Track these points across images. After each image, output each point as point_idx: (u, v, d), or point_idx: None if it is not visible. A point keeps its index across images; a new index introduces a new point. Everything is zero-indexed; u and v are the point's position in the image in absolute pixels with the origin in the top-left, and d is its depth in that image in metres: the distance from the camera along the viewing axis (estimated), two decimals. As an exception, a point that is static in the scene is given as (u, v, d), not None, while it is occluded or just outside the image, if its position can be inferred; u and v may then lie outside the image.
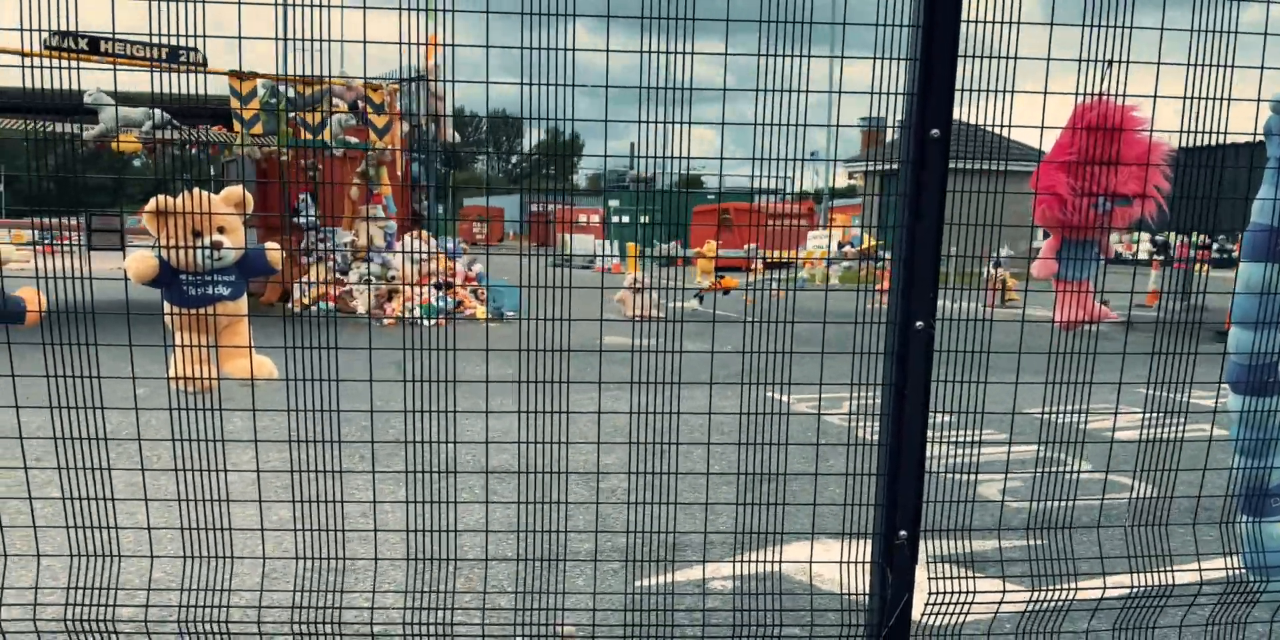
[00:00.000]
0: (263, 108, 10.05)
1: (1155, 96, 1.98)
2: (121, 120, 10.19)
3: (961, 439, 2.18)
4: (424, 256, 8.73)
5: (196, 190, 1.93)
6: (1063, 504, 2.20)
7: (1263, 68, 2.01)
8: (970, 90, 1.94)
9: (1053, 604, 2.23)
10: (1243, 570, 2.18)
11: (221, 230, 1.98)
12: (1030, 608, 2.20)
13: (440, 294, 11.56)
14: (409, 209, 12.87)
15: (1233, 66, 1.97)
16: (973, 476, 2.55)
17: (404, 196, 12.85)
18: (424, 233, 11.75)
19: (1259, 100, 2.02)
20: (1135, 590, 2.20)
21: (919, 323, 2.00)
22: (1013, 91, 1.95)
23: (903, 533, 2.06)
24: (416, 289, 11.26)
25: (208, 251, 1.95)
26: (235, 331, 2.11)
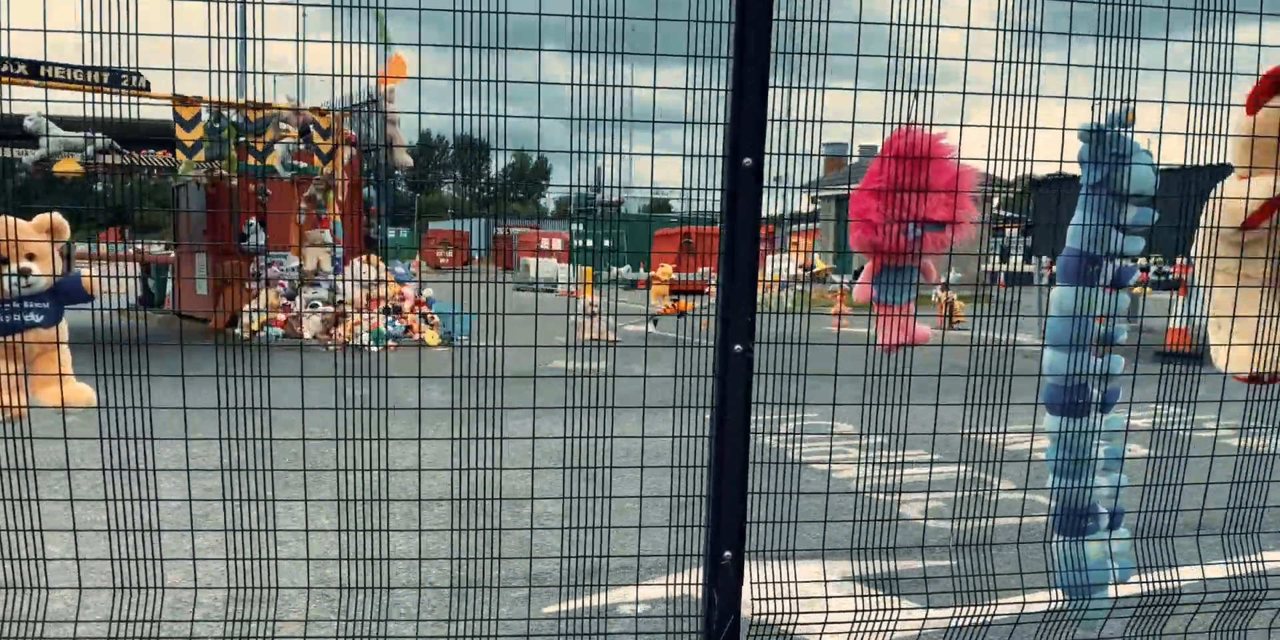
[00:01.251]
0: (207, 133, 10.03)
1: (961, 125, 2.04)
2: (63, 145, 10.14)
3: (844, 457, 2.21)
4: (369, 282, 8.71)
5: (4, 217, 1.94)
6: (985, 522, 2.20)
7: (1066, 97, 2.08)
8: (779, 120, 2.00)
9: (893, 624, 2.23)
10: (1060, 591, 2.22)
11: (31, 257, 1.99)
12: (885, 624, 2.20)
13: (390, 319, 11.53)
14: (359, 234, 12.87)
15: (1037, 96, 2.04)
16: (897, 495, 2.56)
17: (354, 221, 12.85)
18: (374, 257, 11.74)
19: (1063, 129, 2.09)
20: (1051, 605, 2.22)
21: (737, 346, 2.04)
22: (822, 121, 2.00)
23: (727, 554, 2.09)
24: (366, 314, 11.23)
25: (14, 278, 1.96)
26: (50, 359, 2.11)
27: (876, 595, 2.22)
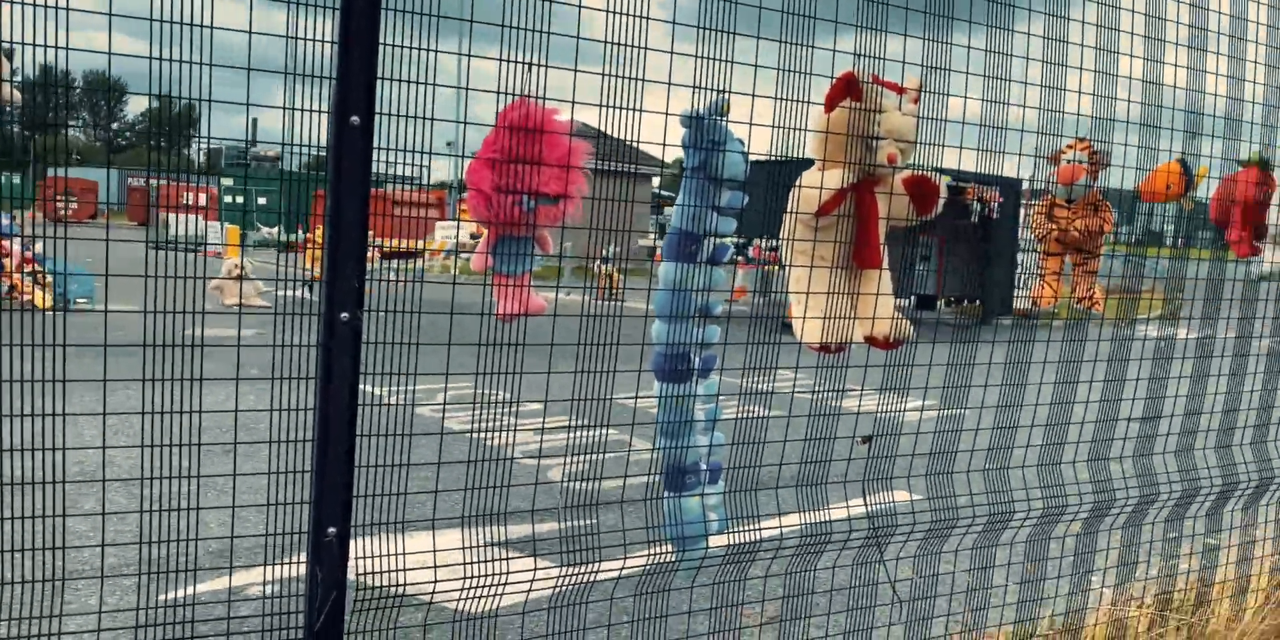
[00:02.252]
0: None
1: (574, 102, 2.10)
2: None
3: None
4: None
5: None
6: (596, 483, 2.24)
7: (669, 84, 2.20)
8: (387, 79, 1.93)
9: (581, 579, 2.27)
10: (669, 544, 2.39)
11: None
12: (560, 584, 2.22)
13: (-16, 279, 9.94)
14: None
15: (643, 80, 2.14)
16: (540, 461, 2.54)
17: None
18: (-36, 206, 10.01)
19: (669, 115, 2.20)
20: (651, 559, 2.33)
21: (343, 314, 1.96)
22: (434, 84, 1.96)
23: (331, 529, 2.01)
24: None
25: None
26: None
27: (501, 560, 2.25)
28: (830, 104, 2.52)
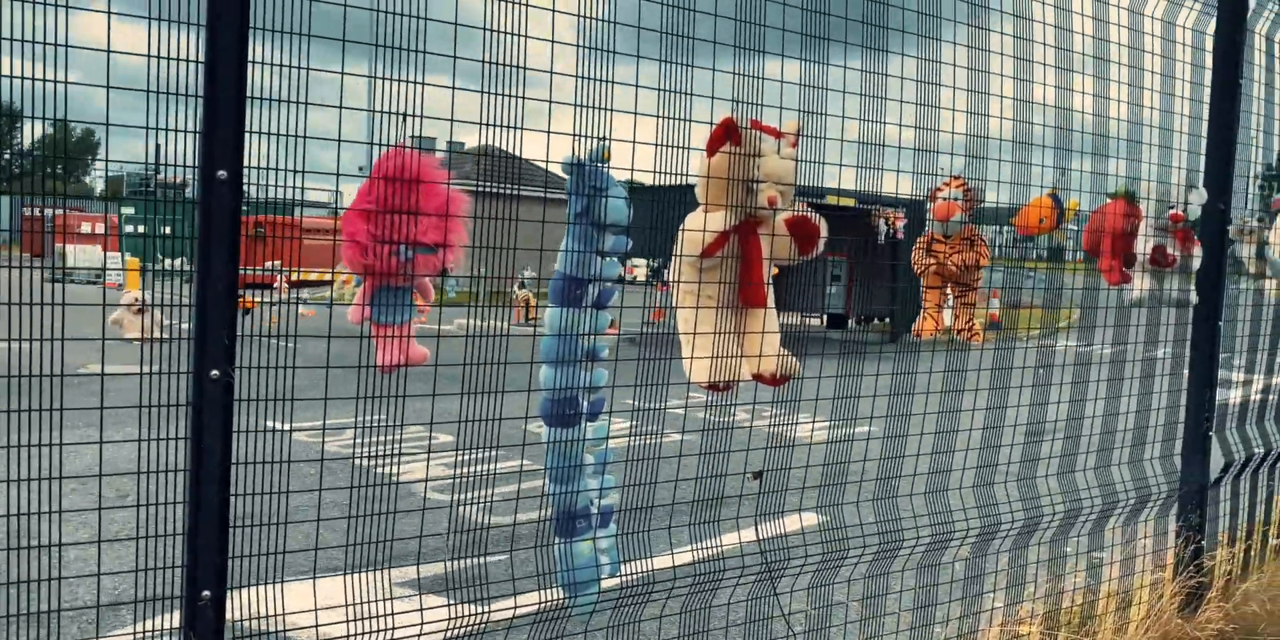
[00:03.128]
0: None
1: (450, 151, 2.10)
2: None
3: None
4: None
5: None
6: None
7: (549, 133, 2.22)
8: (256, 133, 1.90)
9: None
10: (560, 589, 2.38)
11: None
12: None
13: None
14: None
15: (522, 128, 2.15)
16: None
17: None
18: None
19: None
20: (544, 604, 2.30)
21: (214, 372, 1.91)
22: (305, 137, 1.94)
23: (206, 593, 1.95)
24: None
25: None
26: None
27: (389, 607, 2.20)
28: (711, 149, 2.58)
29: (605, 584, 2.43)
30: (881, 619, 2.97)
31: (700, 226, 2.54)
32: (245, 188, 1.92)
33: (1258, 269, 4.31)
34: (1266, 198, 4.17)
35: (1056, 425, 3.37)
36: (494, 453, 2.18)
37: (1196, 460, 3.98)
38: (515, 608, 2.27)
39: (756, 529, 2.67)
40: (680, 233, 2.58)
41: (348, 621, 2.06)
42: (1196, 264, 3.82)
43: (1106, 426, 3.65)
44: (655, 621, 2.54)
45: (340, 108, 2.00)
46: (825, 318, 20.12)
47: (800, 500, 2.71)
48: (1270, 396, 4.56)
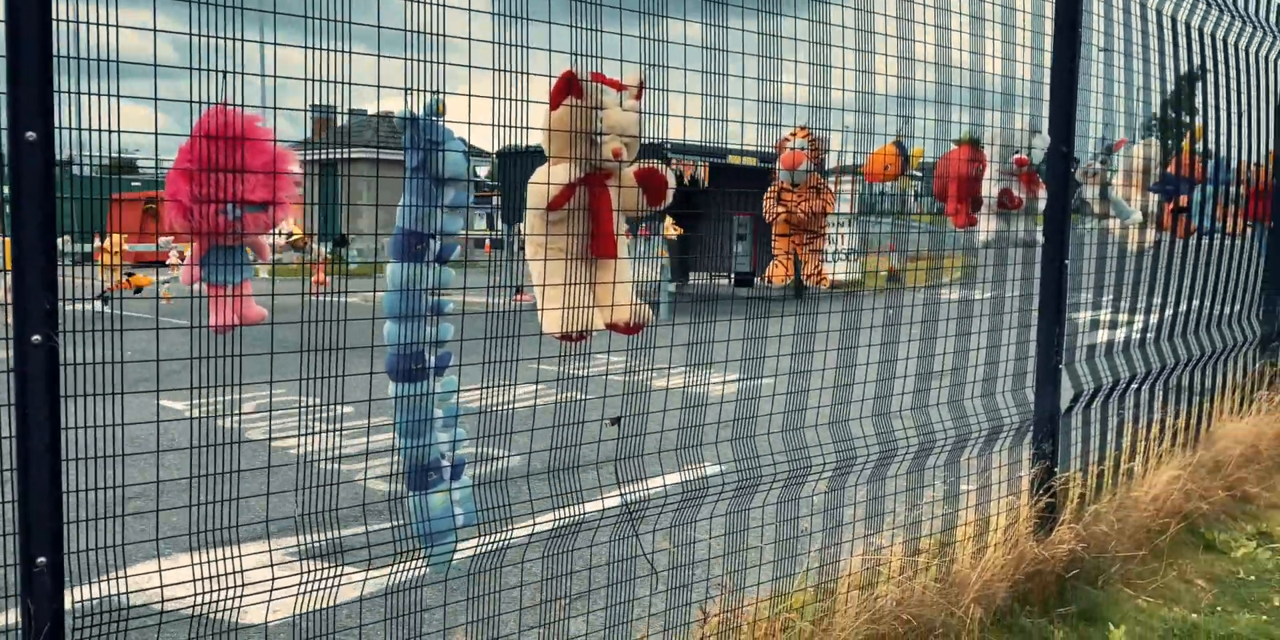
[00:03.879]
0: None
1: (275, 107, 2.09)
2: None
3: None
4: None
5: None
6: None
7: (379, 87, 2.22)
8: (64, 92, 1.86)
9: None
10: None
11: None
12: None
13: None
14: None
15: (350, 83, 2.15)
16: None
17: None
18: None
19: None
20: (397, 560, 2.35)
21: (35, 336, 1.89)
22: (118, 96, 1.90)
23: (41, 559, 1.95)
24: None
25: None
26: None
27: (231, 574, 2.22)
28: (554, 102, 2.60)
29: (465, 533, 2.49)
30: (745, 553, 3.11)
31: (545, 179, 2.58)
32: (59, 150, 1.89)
33: (1102, 209, 4.56)
34: (1109, 140, 4.40)
35: (908, 364, 3.54)
36: (339, 409, 2.21)
37: (1048, 391, 4.23)
38: (370, 559, 2.31)
39: (617, 472, 2.76)
40: (529, 186, 2.61)
41: (193, 580, 2.08)
42: (1042, 206, 4.03)
43: (960, 363, 3.84)
44: (495, 570, 2.59)
45: (155, 66, 1.97)
46: (733, 277, 20.46)
47: (659, 442, 2.81)
48: (1121, 331, 4.86)
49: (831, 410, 3.31)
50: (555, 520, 2.64)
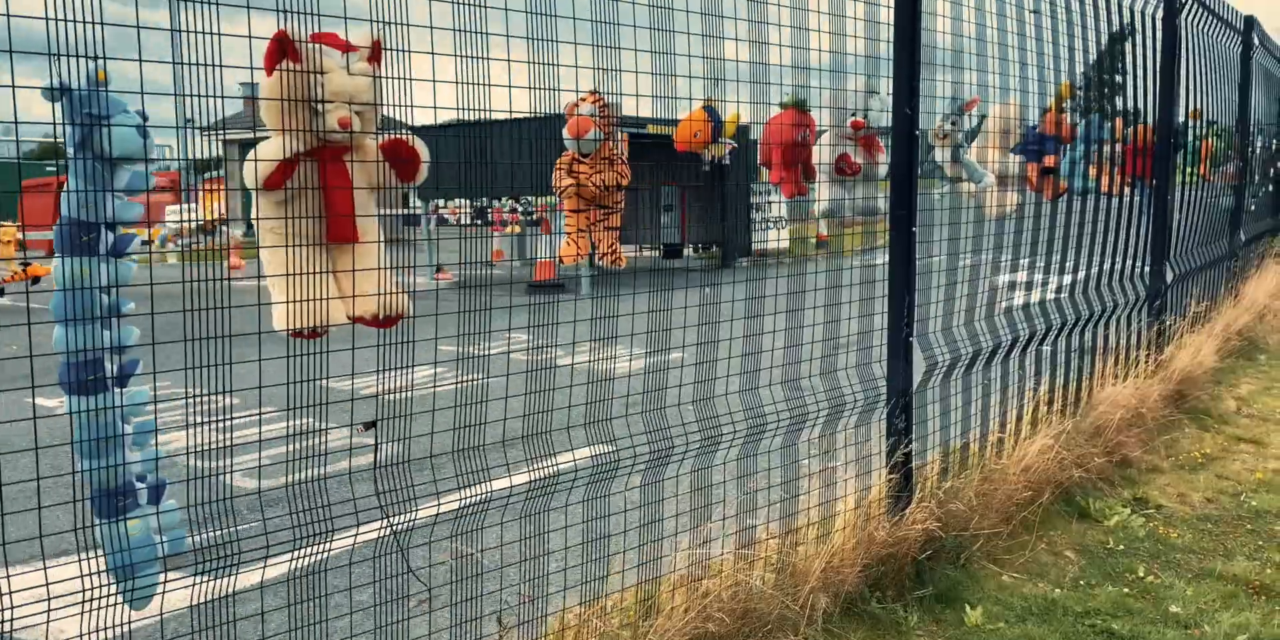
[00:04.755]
0: None
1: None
2: None
3: None
4: None
5: None
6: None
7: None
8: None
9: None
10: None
11: None
12: None
13: None
14: None
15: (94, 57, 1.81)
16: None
17: None
18: None
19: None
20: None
21: None
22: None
23: None
24: None
25: None
26: None
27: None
28: (268, 67, 2.28)
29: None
30: (546, 559, 2.87)
31: (264, 156, 2.26)
32: None
33: (954, 172, 4.35)
34: (959, 99, 4.18)
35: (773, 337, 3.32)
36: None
37: (899, 366, 4.03)
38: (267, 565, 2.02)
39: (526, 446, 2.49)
40: (244, 164, 2.29)
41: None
42: (883, 171, 3.80)
43: (799, 339, 3.62)
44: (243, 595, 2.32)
45: None
46: (662, 248, 20.24)
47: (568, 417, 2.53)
48: (979, 298, 4.67)
49: (647, 397, 3.06)
50: (295, 549, 2.35)
